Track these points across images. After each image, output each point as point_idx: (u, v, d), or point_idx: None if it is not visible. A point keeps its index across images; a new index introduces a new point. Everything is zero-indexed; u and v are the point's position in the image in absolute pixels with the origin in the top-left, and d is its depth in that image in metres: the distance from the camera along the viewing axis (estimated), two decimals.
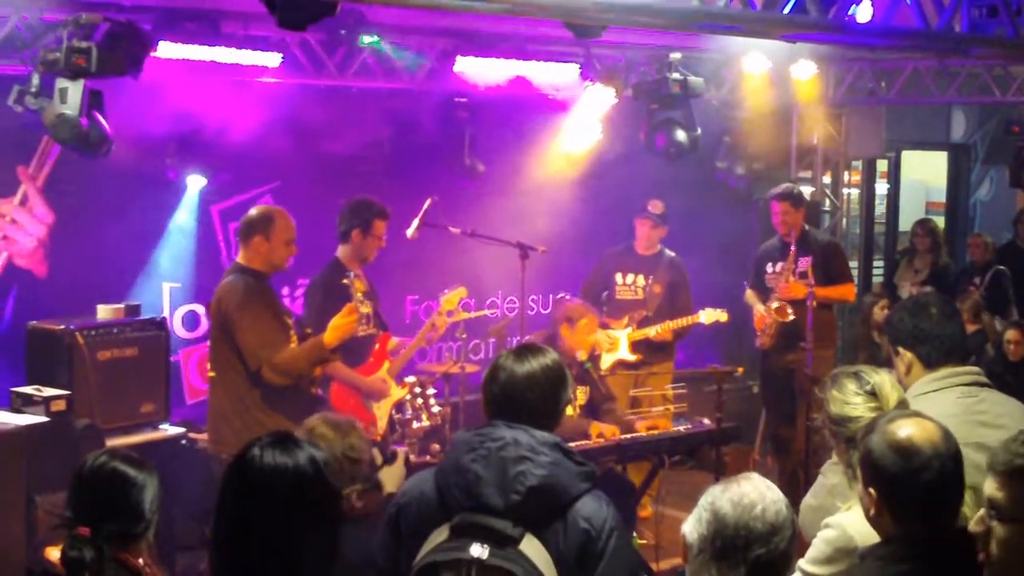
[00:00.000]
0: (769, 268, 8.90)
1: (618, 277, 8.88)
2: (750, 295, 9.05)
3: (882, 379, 3.79)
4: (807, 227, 9.03)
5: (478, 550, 3.28)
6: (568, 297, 7.84)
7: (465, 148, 9.07)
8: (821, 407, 3.84)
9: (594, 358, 7.90)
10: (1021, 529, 2.76)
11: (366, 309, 6.87)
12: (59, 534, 3.67)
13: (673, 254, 8.96)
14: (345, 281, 6.25)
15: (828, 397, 3.80)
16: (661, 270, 8.83)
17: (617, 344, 8.62)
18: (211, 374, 6.35)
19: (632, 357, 8.58)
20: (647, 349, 8.66)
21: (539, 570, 3.29)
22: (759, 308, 8.83)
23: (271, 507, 2.80)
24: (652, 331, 8.60)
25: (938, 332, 4.18)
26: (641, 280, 8.84)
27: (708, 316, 8.58)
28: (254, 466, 2.84)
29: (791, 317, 8.45)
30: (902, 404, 3.69)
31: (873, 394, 3.73)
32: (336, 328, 6.07)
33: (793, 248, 8.60)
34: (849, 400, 3.74)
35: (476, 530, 3.33)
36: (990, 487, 2.81)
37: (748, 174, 10.71)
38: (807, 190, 11.36)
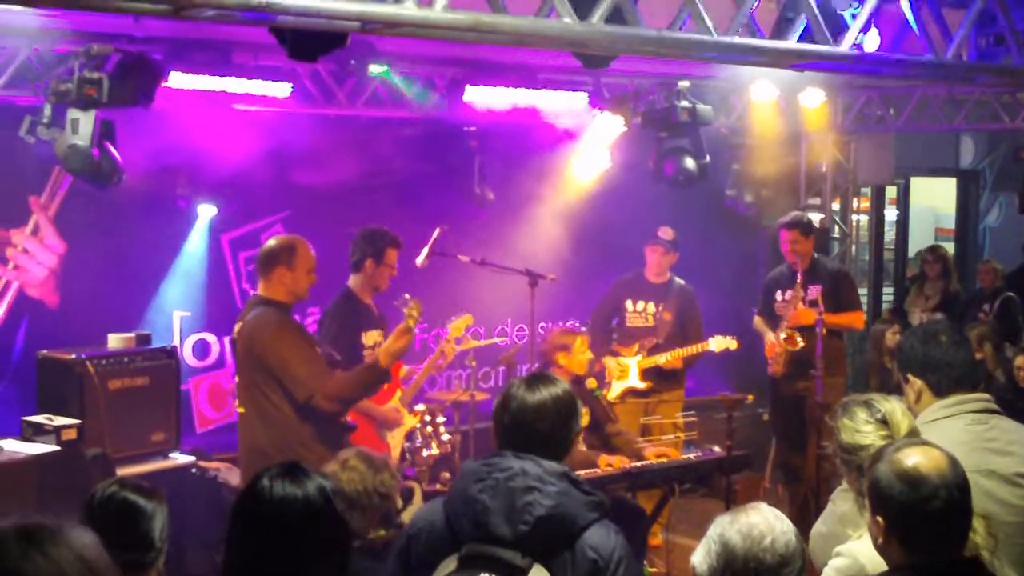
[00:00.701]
0: (778, 296, 8.89)
1: (628, 304, 8.88)
2: (758, 322, 9.05)
3: (893, 407, 3.78)
4: (816, 255, 9.02)
5: None
6: (574, 325, 7.84)
7: (475, 177, 9.11)
8: (832, 435, 3.83)
9: (604, 384, 7.92)
10: None
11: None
12: None
13: (683, 282, 8.95)
14: (398, 304, 6.10)
15: (839, 425, 3.79)
16: (671, 298, 8.83)
17: (627, 371, 8.63)
18: (241, 410, 6.14)
19: (642, 385, 8.60)
20: (657, 377, 8.66)
21: None
22: (769, 336, 8.82)
23: (281, 537, 2.81)
24: (662, 359, 8.60)
25: (948, 360, 4.18)
26: (652, 307, 8.83)
27: (718, 344, 8.58)
28: (263, 497, 2.85)
29: (800, 345, 8.44)
30: (913, 432, 3.68)
31: (884, 422, 3.72)
32: (389, 352, 5.90)
33: (800, 277, 8.60)
34: (860, 428, 3.72)
35: (484, 561, 3.32)
36: None
37: (757, 201, 10.73)
38: (816, 217, 11.36)
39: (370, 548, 4.14)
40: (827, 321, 8.30)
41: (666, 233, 8.80)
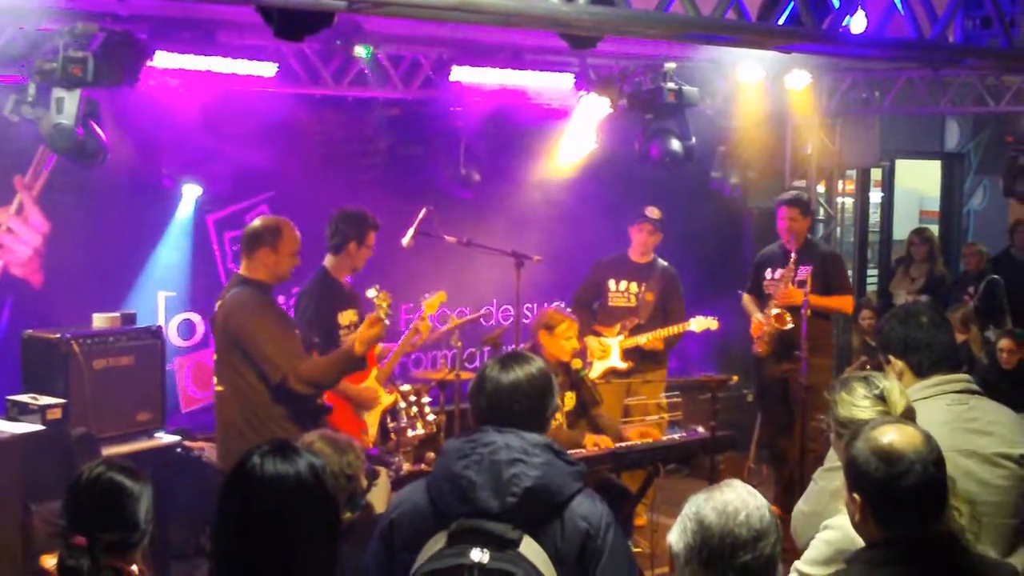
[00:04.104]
0: (768, 274, 8.84)
1: (611, 283, 8.85)
2: (747, 300, 9.00)
3: (892, 386, 3.79)
4: (810, 236, 8.97)
5: (478, 555, 3.29)
6: (559, 306, 7.82)
7: (460, 157, 9.10)
8: (829, 408, 3.84)
9: (586, 364, 7.91)
10: None
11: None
12: (54, 542, 3.69)
13: (666, 263, 8.93)
14: (371, 294, 6.17)
15: (836, 399, 3.79)
16: (654, 278, 8.81)
17: (609, 352, 8.62)
18: (219, 388, 6.24)
19: (624, 365, 8.58)
20: (639, 357, 8.65)
21: (539, 571, 3.31)
22: (757, 316, 8.78)
23: (273, 514, 2.81)
24: (643, 339, 8.57)
25: (928, 340, 4.20)
26: (634, 287, 8.79)
27: (699, 324, 8.56)
28: (255, 474, 2.84)
29: (790, 325, 8.39)
30: (909, 411, 3.69)
31: (881, 398, 3.72)
32: (362, 340, 5.98)
33: (794, 256, 8.53)
34: (857, 403, 3.73)
35: (475, 535, 3.33)
36: None
37: (742, 183, 10.73)
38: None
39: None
40: (815, 303, 8.29)
41: (652, 212, 8.76)
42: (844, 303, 8.90)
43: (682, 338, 8.78)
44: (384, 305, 6.06)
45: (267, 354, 5.96)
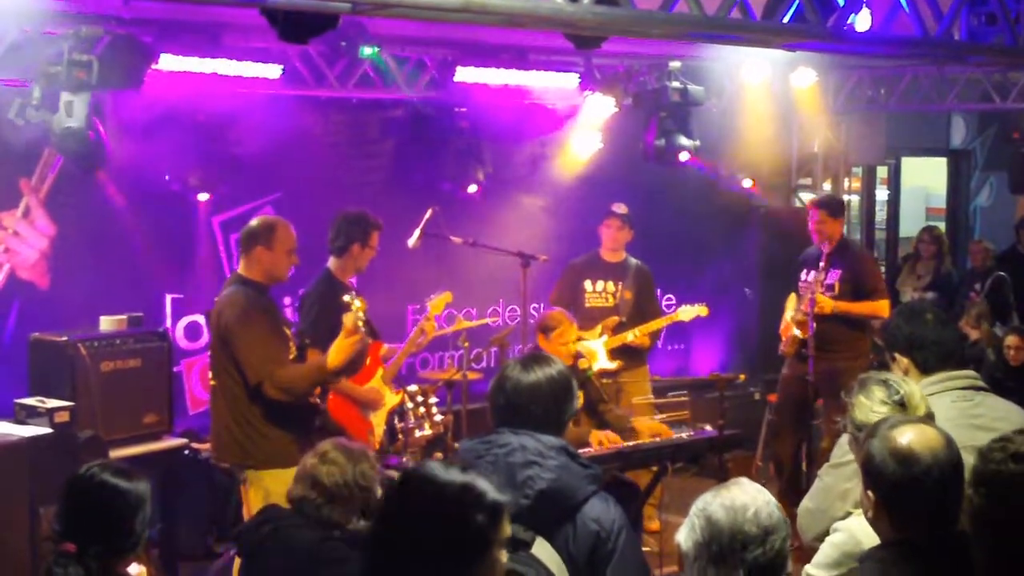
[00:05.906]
0: (803, 276, 8.67)
1: (587, 284, 8.63)
2: (790, 300, 8.73)
3: (912, 390, 3.74)
4: (847, 238, 8.76)
5: None
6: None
7: (466, 158, 9.10)
8: (847, 411, 3.81)
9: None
10: None
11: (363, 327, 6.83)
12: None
13: (638, 261, 8.75)
14: (346, 299, 6.05)
15: (854, 402, 3.76)
16: (630, 277, 8.62)
17: (595, 355, 8.45)
18: (212, 382, 6.32)
19: (613, 365, 8.36)
20: (626, 355, 8.46)
21: (552, 573, 3.31)
22: (785, 316, 8.60)
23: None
24: (630, 335, 8.39)
25: (933, 338, 4.19)
26: (611, 286, 8.59)
27: (687, 313, 8.45)
28: (428, 483, 2.64)
29: (810, 333, 8.25)
30: (929, 416, 3.65)
31: (901, 404, 3.68)
32: (339, 351, 5.93)
33: (823, 261, 8.31)
34: (875, 408, 3.68)
35: None
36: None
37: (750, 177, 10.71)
38: (807, 197, 11.37)
39: (352, 539, 4.11)
40: (843, 310, 8.19)
41: (619, 207, 8.59)
42: (878, 307, 8.55)
43: (662, 331, 8.66)
44: (360, 314, 5.94)
45: (247, 356, 5.97)
